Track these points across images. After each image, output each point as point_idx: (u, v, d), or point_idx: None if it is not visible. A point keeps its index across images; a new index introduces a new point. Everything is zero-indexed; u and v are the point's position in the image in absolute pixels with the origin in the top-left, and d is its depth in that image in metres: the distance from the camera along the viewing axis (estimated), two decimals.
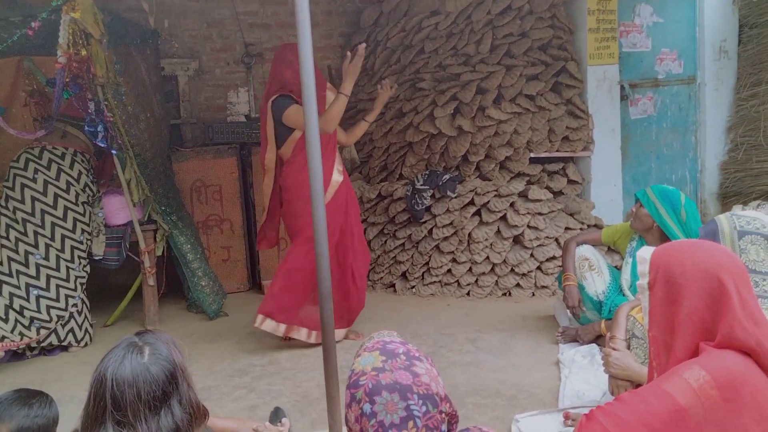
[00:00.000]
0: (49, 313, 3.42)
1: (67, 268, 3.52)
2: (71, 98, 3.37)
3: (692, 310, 1.29)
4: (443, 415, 1.18)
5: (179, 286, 4.31)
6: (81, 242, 3.60)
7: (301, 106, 3.21)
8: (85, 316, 3.59)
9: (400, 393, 1.15)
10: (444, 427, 1.18)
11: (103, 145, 3.48)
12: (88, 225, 3.65)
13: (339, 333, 3.34)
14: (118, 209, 3.75)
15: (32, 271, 3.42)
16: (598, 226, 4.22)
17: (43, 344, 3.43)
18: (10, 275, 3.37)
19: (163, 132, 4.29)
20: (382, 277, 4.47)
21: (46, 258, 3.45)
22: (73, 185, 3.57)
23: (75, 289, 3.53)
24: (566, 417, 2.27)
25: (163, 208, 3.84)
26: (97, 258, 3.71)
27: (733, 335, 1.24)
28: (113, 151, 3.53)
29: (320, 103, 3.03)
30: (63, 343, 3.49)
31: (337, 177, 3.33)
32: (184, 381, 1.25)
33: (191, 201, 4.52)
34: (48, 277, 3.45)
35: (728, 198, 5.01)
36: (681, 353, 1.29)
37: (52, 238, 3.48)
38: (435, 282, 4.26)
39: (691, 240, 1.77)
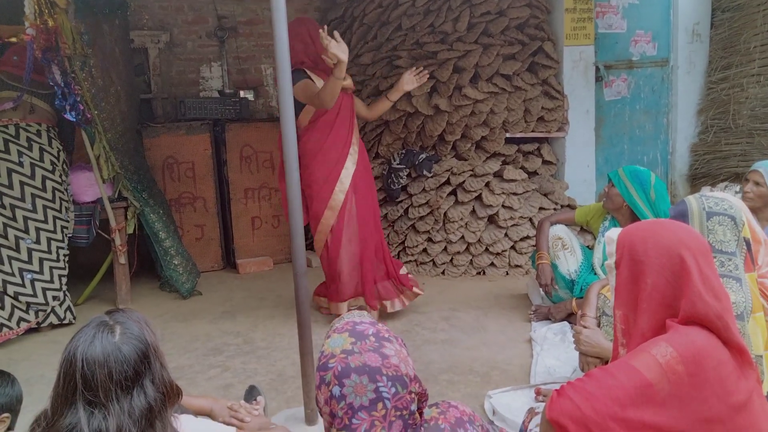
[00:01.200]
0: (45, 296, 3.38)
1: (57, 248, 3.47)
2: (41, 66, 3.24)
3: (654, 286, 1.32)
4: (412, 395, 1.19)
5: (151, 265, 4.24)
6: (66, 220, 3.54)
7: (309, 81, 3.09)
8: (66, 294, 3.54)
9: (369, 375, 1.15)
10: (413, 407, 1.19)
11: (71, 119, 3.36)
12: (69, 202, 3.58)
13: (354, 302, 3.32)
14: (87, 186, 3.65)
15: (24, 256, 3.34)
16: (572, 207, 4.28)
17: (43, 324, 3.40)
18: (2, 262, 3.28)
19: (133, 107, 4.18)
20: None
21: (37, 241, 3.38)
22: (55, 164, 3.47)
23: (64, 267, 3.50)
24: (538, 393, 2.32)
25: (133, 185, 3.76)
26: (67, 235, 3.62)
27: (694, 309, 1.27)
28: (82, 125, 3.43)
29: (327, 73, 3.04)
30: (64, 322, 3.47)
31: (350, 166, 3.26)
32: (157, 360, 1.23)
33: (163, 178, 4.44)
34: (41, 260, 3.39)
35: (697, 179, 5.12)
36: (646, 330, 1.32)
37: (45, 221, 3.41)
38: (410, 261, 4.29)
39: (656, 219, 1.81)
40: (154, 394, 1.20)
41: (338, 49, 2.82)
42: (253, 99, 5.16)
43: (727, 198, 1.81)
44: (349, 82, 3.23)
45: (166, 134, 4.43)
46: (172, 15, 4.94)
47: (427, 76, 3.44)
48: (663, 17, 5.08)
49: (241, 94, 5.01)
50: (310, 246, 4.81)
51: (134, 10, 4.63)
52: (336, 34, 2.87)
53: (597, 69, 4.79)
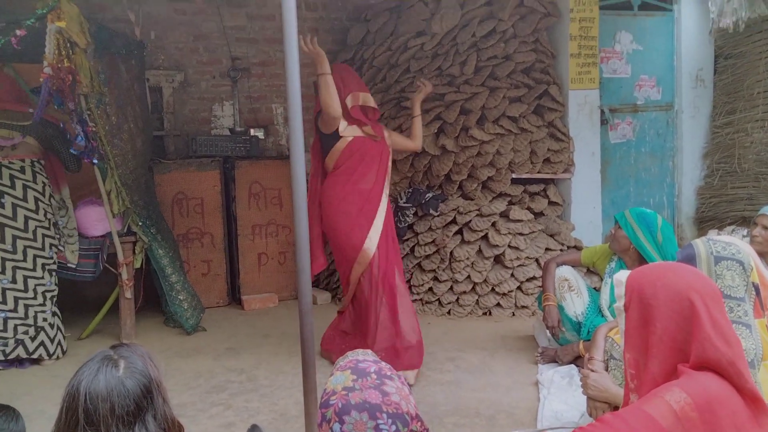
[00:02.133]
0: (15, 331, 3.35)
1: (35, 286, 3.44)
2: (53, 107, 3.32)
3: (664, 330, 1.31)
4: None
5: (157, 300, 4.24)
6: (51, 257, 3.52)
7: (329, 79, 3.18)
8: (58, 329, 3.51)
9: (369, 412, 1.15)
10: None
11: (76, 153, 3.40)
12: (54, 237, 3.55)
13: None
14: (97, 220, 3.69)
15: None
16: (578, 248, 4.27)
17: (10, 356, 3.35)
18: None
19: (145, 143, 4.26)
20: None
21: (14, 281, 3.37)
22: (40, 201, 3.46)
23: (44, 304, 3.46)
24: None
25: (142, 221, 3.80)
26: (71, 267, 3.63)
27: (705, 355, 1.25)
28: (94, 161, 3.48)
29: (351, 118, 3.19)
30: (33, 356, 3.40)
31: (386, 195, 3.25)
32: (160, 396, 1.22)
33: (172, 213, 4.48)
34: (15, 299, 3.38)
35: (704, 222, 5.11)
36: (657, 374, 1.30)
37: (25, 260, 3.40)
38: (416, 300, 4.26)
39: (665, 263, 1.80)
40: (155, 430, 1.19)
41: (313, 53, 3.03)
42: (263, 137, 5.24)
43: (734, 242, 1.80)
44: (368, 129, 3.24)
45: (176, 170, 4.50)
46: (188, 56, 5.08)
47: (430, 84, 3.57)
48: (667, 63, 5.17)
49: (252, 132, 5.10)
50: (315, 283, 4.80)
51: (151, 51, 4.77)
52: (309, 38, 3.07)
53: (602, 112, 4.85)
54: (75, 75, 3.19)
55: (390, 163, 3.35)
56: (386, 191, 3.27)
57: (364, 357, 1.27)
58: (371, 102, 3.31)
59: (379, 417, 1.15)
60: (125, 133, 3.76)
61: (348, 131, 3.22)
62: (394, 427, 1.15)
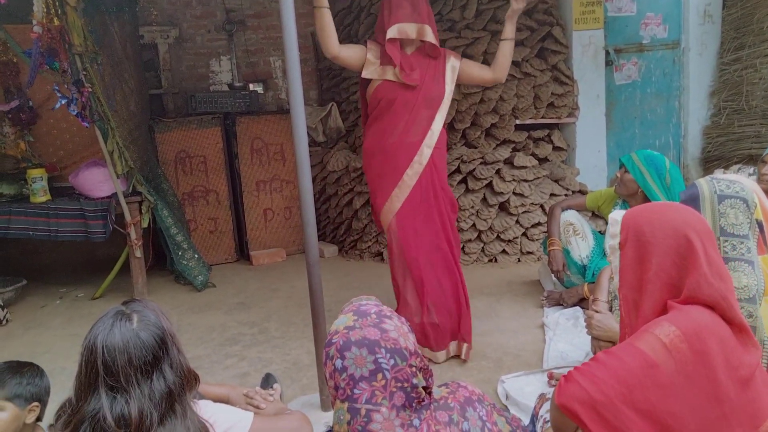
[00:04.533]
0: None
1: None
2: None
3: (660, 267, 1.34)
4: (413, 368, 1.23)
5: (166, 258, 4.30)
6: None
7: (361, 46, 2.69)
8: None
9: (368, 348, 1.20)
10: (415, 381, 1.22)
11: (74, 114, 3.37)
12: None
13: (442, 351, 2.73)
14: (102, 181, 3.70)
15: None
16: (583, 192, 4.27)
17: None
18: None
19: (139, 104, 4.21)
20: (369, 246, 4.50)
21: None
22: None
23: None
24: (550, 377, 2.34)
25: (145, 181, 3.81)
26: (82, 228, 3.66)
27: (699, 290, 1.29)
28: (86, 124, 3.43)
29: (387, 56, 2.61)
30: None
31: (425, 153, 2.67)
32: (174, 346, 1.27)
33: (176, 172, 4.48)
34: None
35: (710, 162, 5.07)
36: (649, 311, 1.34)
37: None
38: None
39: (659, 202, 1.80)
40: (173, 378, 1.23)
41: None
42: (262, 92, 5.18)
43: (738, 180, 1.79)
44: (395, 72, 2.64)
45: (177, 129, 4.47)
46: (181, 10, 4.96)
47: None
48: None
49: (251, 87, 5.04)
50: (321, 236, 4.85)
51: (143, 6, 4.67)
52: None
53: (607, 53, 4.74)
54: (66, 34, 3.13)
55: (440, 114, 2.70)
56: (427, 149, 2.67)
57: (366, 301, 1.31)
58: (426, 35, 2.63)
59: (377, 352, 1.19)
60: (118, 93, 3.72)
61: (373, 73, 2.68)
62: (392, 362, 1.19)
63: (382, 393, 1.18)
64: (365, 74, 2.70)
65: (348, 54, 2.68)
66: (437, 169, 2.71)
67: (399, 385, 1.19)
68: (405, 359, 1.21)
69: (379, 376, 1.18)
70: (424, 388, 1.25)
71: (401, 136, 2.66)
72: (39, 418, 1.72)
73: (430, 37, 2.64)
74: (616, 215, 1.50)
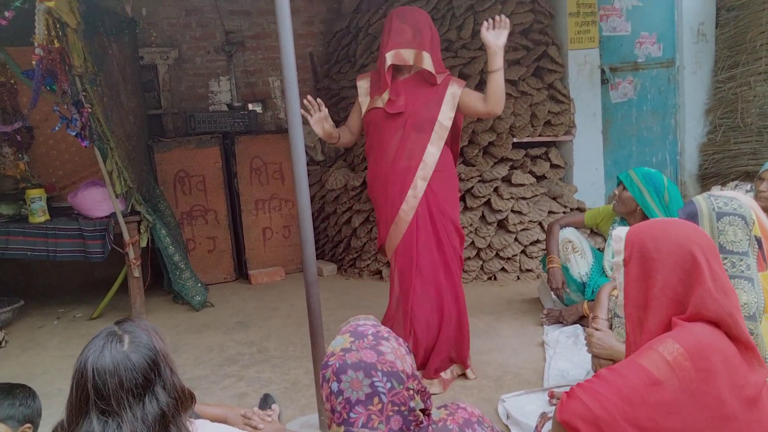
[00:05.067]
0: None
1: None
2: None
3: (665, 283, 1.33)
4: (410, 391, 1.21)
5: (164, 278, 4.29)
6: None
7: (355, 105, 2.76)
8: None
9: (365, 371, 1.18)
10: (412, 404, 1.21)
11: (73, 134, 3.39)
12: None
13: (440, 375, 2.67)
14: (100, 201, 3.71)
15: None
16: (581, 210, 4.28)
17: None
18: None
19: (142, 123, 4.24)
20: (368, 265, 4.49)
21: None
22: None
23: None
24: (551, 396, 2.32)
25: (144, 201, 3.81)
26: (80, 249, 3.67)
27: (704, 306, 1.28)
28: (85, 144, 3.45)
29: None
30: None
31: (419, 186, 2.61)
32: (167, 366, 1.25)
33: (175, 191, 4.49)
34: None
35: (707, 179, 5.09)
36: (654, 327, 1.33)
37: None
38: None
39: (662, 219, 1.81)
40: (166, 400, 1.22)
41: (316, 123, 2.62)
42: (261, 111, 5.21)
43: (736, 197, 1.80)
44: (382, 98, 2.64)
45: (177, 148, 4.49)
46: (181, 31, 5.02)
47: (507, 20, 2.58)
48: (667, 18, 5.08)
49: (250, 107, 5.07)
50: (320, 255, 4.84)
51: (143, 28, 4.72)
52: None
53: (602, 72, 4.79)
54: (66, 56, 3.16)
55: (434, 139, 2.61)
56: (421, 182, 2.59)
57: (364, 321, 1.30)
58: (424, 62, 2.57)
59: (374, 375, 1.18)
60: (115, 113, 3.74)
61: (365, 105, 2.72)
62: (389, 385, 1.18)
63: (379, 417, 1.17)
64: (364, 100, 2.76)
65: (353, 125, 2.81)
66: (435, 194, 2.63)
67: (396, 408, 1.18)
68: (402, 382, 1.20)
69: (376, 399, 1.17)
70: (422, 410, 1.23)
71: (392, 163, 2.63)
72: None
73: (428, 64, 2.58)
74: (620, 232, 1.50)
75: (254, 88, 5.25)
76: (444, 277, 2.67)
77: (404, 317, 2.66)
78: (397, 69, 2.68)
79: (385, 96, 2.63)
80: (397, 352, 1.23)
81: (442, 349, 2.66)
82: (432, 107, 2.64)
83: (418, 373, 1.27)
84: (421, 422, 1.23)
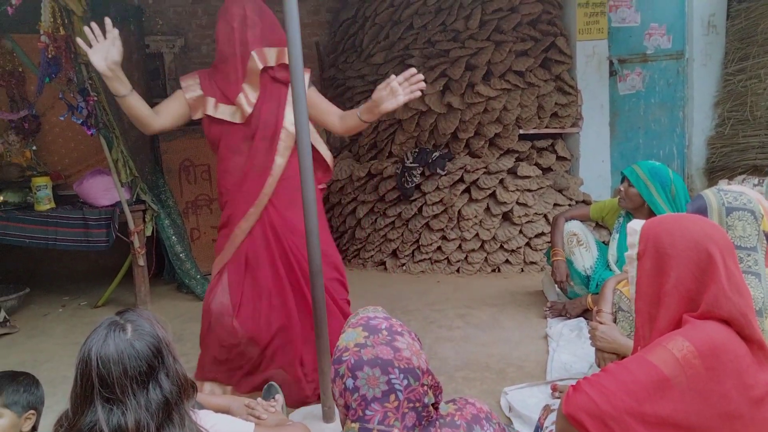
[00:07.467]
0: None
1: None
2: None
3: (679, 279, 1.31)
4: (425, 387, 1.20)
5: (169, 267, 4.30)
6: None
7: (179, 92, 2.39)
8: None
9: (381, 368, 1.17)
10: (426, 400, 1.20)
11: (78, 122, 3.38)
12: None
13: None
14: (105, 190, 3.71)
15: None
16: (587, 202, 4.25)
17: None
18: None
19: None
20: (372, 255, 4.49)
21: None
22: None
23: None
24: (554, 389, 2.32)
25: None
26: (84, 238, 3.68)
27: (717, 304, 1.26)
28: (91, 132, 3.45)
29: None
30: None
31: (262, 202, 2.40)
32: (170, 354, 1.26)
33: (180, 181, 4.49)
34: None
35: (715, 173, 5.05)
36: (665, 323, 1.31)
37: None
38: (425, 259, 4.29)
39: (680, 213, 1.79)
40: (169, 387, 1.22)
41: (95, 54, 2.10)
42: None
43: (745, 191, 1.78)
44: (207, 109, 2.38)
45: (182, 137, 4.48)
46: (187, 19, 5.00)
47: (420, 86, 2.38)
48: (677, 9, 5.01)
49: None
50: None
51: (148, 16, 4.70)
52: (103, 27, 2.11)
53: (611, 63, 4.75)
54: (72, 43, 3.15)
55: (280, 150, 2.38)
56: (264, 197, 2.39)
57: (374, 314, 1.29)
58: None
59: (391, 372, 1.17)
60: None
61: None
62: (405, 382, 1.17)
63: (395, 414, 1.16)
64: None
65: (174, 114, 2.40)
66: (277, 209, 2.38)
67: (411, 405, 1.17)
68: (418, 379, 1.19)
69: (392, 397, 1.16)
70: (432, 404, 1.23)
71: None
72: (35, 428, 1.72)
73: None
74: (635, 225, 1.47)
75: None
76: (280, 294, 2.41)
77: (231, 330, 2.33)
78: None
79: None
80: (412, 348, 1.22)
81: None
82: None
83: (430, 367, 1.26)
84: (431, 416, 1.23)
